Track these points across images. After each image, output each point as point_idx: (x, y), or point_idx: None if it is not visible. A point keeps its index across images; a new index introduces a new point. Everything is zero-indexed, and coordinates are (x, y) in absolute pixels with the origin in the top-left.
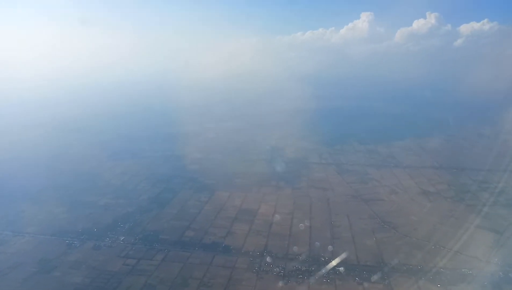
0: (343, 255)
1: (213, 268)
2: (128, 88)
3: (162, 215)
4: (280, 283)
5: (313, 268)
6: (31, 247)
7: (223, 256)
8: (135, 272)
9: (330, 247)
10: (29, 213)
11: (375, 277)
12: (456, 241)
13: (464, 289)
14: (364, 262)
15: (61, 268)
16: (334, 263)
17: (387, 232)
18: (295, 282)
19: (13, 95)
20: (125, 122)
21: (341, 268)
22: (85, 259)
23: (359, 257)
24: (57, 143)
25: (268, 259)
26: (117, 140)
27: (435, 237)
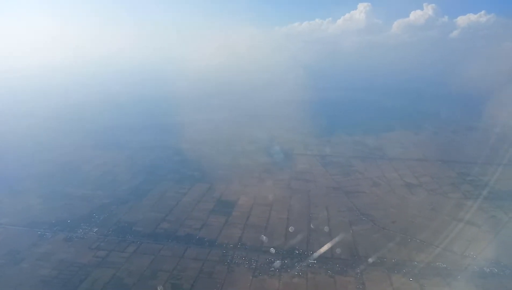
0: (318, 248)
1: (184, 260)
2: (123, 79)
3: (139, 206)
4: (250, 276)
5: (286, 261)
6: (1, 238)
7: (196, 249)
8: (104, 265)
9: (305, 240)
10: (4, 204)
11: (347, 270)
12: (433, 235)
13: (437, 283)
14: (338, 255)
15: (29, 260)
16: (307, 255)
17: (365, 224)
18: (266, 275)
19: (7, 84)
20: (116, 112)
21: (314, 261)
22: (55, 251)
23: (334, 250)
24: (44, 133)
25: (241, 251)
26: (105, 130)
27: (413, 230)
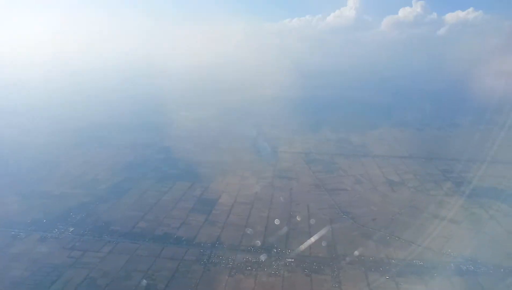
0: (296, 246)
1: (160, 260)
2: (109, 76)
3: (118, 205)
4: (226, 276)
5: (263, 260)
6: None
7: (173, 248)
8: (78, 265)
9: (284, 238)
10: None
11: (324, 269)
12: (413, 232)
13: (413, 281)
14: (316, 254)
15: (1, 261)
16: (285, 254)
17: (345, 222)
18: (242, 275)
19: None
20: (102, 109)
21: (292, 260)
22: (28, 251)
23: (312, 248)
24: (26, 131)
25: (219, 250)
26: (88, 128)
27: (392, 227)
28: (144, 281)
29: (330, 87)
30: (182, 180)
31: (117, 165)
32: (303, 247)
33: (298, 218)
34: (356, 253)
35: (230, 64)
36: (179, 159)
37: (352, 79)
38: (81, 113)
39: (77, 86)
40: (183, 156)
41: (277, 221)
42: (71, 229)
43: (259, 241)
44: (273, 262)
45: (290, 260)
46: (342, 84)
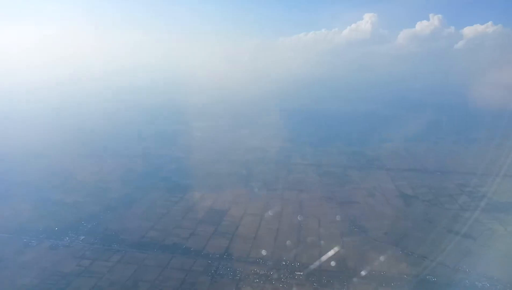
0: (306, 260)
1: (168, 270)
2: (129, 90)
3: (128, 214)
4: (233, 288)
5: (271, 273)
6: None
7: (181, 258)
8: (86, 274)
9: (293, 251)
10: None
11: (334, 283)
12: (426, 247)
13: None
14: (326, 267)
15: (11, 268)
16: (294, 267)
17: (356, 236)
18: (250, 287)
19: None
20: (117, 121)
21: (301, 273)
22: (39, 259)
23: (322, 261)
24: (43, 141)
25: (227, 262)
26: (102, 138)
27: (405, 242)
28: None
29: (345, 100)
30: (192, 190)
31: (128, 174)
32: (312, 260)
33: (308, 231)
34: (367, 267)
35: (246, 77)
36: (190, 169)
37: (368, 92)
38: (94, 123)
39: (105, 100)
40: (194, 167)
41: (286, 234)
42: (82, 237)
43: (268, 254)
44: (281, 275)
45: (299, 273)
46: (357, 97)
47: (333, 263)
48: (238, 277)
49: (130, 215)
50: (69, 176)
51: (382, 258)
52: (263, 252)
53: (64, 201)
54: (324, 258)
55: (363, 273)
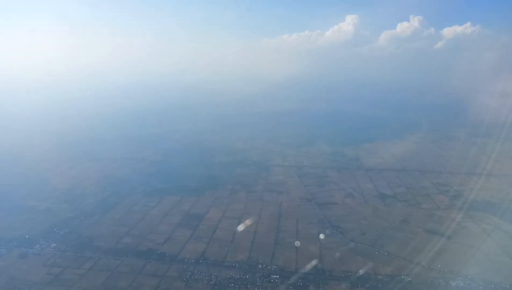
0: (282, 262)
1: (141, 277)
2: (113, 92)
3: (103, 220)
4: None
5: (247, 276)
6: None
7: (155, 264)
8: (56, 282)
9: (270, 254)
10: None
11: (309, 285)
12: (402, 247)
13: None
14: (302, 269)
15: None
16: (270, 270)
17: (334, 237)
18: None
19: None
20: (100, 123)
21: (277, 276)
22: (7, 268)
23: (298, 264)
24: (20, 145)
25: (202, 266)
26: (82, 142)
27: (381, 242)
28: None
29: (328, 101)
30: (171, 194)
31: (106, 179)
32: (289, 263)
33: (286, 233)
34: (343, 268)
35: (230, 79)
36: (169, 173)
37: (350, 92)
38: (75, 127)
39: (89, 102)
40: (174, 170)
41: (264, 236)
42: (53, 245)
43: (244, 257)
44: (257, 279)
45: (275, 276)
46: (339, 98)
47: (309, 265)
48: (213, 282)
49: (106, 221)
50: (45, 182)
51: (358, 258)
52: (240, 256)
53: (37, 208)
54: (300, 260)
55: (338, 274)
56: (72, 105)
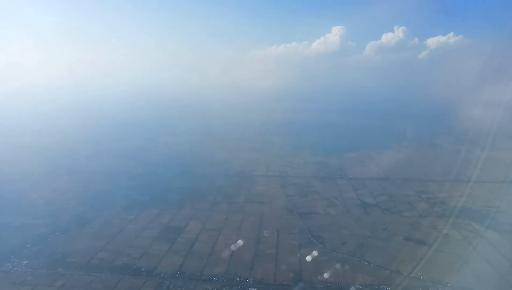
0: (260, 274)
1: None
2: (93, 103)
3: (79, 235)
4: None
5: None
6: None
7: (130, 279)
8: None
9: (249, 266)
10: None
11: None
12: (382, 256)
13: None
14: (281, 281)
15: None
16: (248, 283)
17: (314, 247)
18: None
19: None
20: (81, 136)
21: (254, 289)
22: None
23: (277, 275)
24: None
25: (179, 281)
26: (60, 155)
27: (362, 251)
28: None
29: (313, 111)
30: (150, 207)
31: (84, 193)
32: (267, 275)
33: (266, 245)
34: (323, 279)
35: (215, 89)
36: (150, 185)
37: (337, 103)
38: (53, 140)
39: (68, 114)
40: (154, 183)
41: (243, 248)
42: (25, 262)
43: (222, 270)
44: None
45: (253, 289)
46: (325, 108)
47: (288, 277)
48: None
49: (81, 236)
50: (20, 197)
51: (338, 268)
52: (218, 269)
53: (11, 224)
54: (279, 272)
55: (318, 285)
56: (47, 118)
